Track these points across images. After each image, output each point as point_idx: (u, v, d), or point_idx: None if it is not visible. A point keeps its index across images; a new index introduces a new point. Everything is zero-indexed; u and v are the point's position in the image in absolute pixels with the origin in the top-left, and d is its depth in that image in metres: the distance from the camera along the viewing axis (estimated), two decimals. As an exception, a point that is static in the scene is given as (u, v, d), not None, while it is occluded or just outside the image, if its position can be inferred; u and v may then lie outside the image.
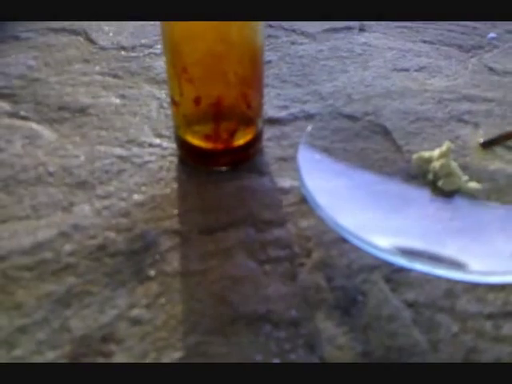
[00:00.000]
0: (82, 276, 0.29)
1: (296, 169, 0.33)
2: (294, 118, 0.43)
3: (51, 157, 0.38)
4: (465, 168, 0.36)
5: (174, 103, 0.36)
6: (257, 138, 0.38)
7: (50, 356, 0.25)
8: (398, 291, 0.28)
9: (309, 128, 0.36)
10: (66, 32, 0.56)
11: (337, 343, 0.26)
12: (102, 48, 0.53)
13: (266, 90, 0.46)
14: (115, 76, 0.48)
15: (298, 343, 0.26)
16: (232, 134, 0.36)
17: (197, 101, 0.34)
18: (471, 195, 0.34)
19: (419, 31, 0.59)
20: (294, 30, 0.58)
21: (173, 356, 0.25)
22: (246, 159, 0.38)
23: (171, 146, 0.39)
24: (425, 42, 0.57)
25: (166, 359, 0.25)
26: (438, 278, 0.29)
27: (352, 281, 0.29)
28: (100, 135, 0.41)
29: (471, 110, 0.41)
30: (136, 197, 0.35)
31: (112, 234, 0.32)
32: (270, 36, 0.56)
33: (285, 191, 0.35)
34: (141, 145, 0.40)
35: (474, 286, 0.29)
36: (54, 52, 0.53)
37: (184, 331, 0.27)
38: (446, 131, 0.40)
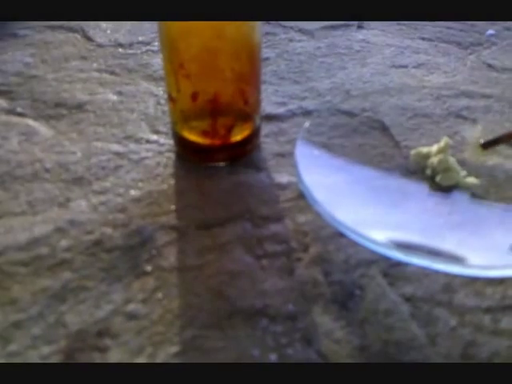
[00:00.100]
0: (78, 271, 0.29)
1: (293, 164, 0.33)
2: (292, 115, 0.43)
3: (48, 153, 0.38)
4: (463, 163, 0.36)
5: (171, 99, 0.36)
6: (254, 134, 0.38)
7: (45, 351, 0.25)
8: (395, 285, 0.28)
9: (306, 124, 0.36)
10: (63, 29, 0.56)
11: (334, 337, 0.26)
12: (100, 45, 0.53)
13: (263, 87, 0.46)
14: (112, 73, 0.48)
15: (295, 337, 0.26)
16: (229, 130, 0.36)
17: (194, 97, 0.34)
18: (469, 190, 0.34)
19: (417, 28, 0.59)
20: (291, 27, 0.58)
21: (169, 350, 0.25)
22: (243, 155, 0.38)
23: (168, 142, 0.39)
24: (423, 38, 0.57)
25: (162, 354, 0.25)
26: (436, 273, 0.28)
27: (349, 275, 0.29)
28: (97, 132, 0.40)
29: (469, 106, 0.41)
30: (133, 192, 0.35)
31: (108, 230, 0.32)
32: (267, 33, 0.56)
33: (282, 187, 0.35)
34: (138, 141, 0.39)
35: (472, 280, 0.28)
36: (51, 49, 0.52)
37: (180, 326, 0.26)
38: (444, 127, 0.40)
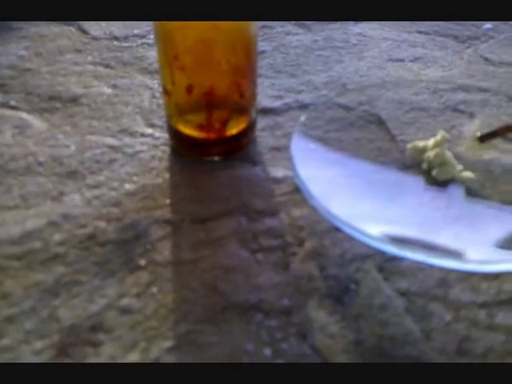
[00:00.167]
0: (71, 265, 0.29)
1: (289, 158, 0.32)
2: (288, 108, 0.43)
3: (41, 146, 0.38)
4: (459, 157, 0.36)
5: (165, 92, 0.35)
6: (250, 128, 0.38)
7: (38, 346, 0.25)
8: (390, 280, 0.28)
9: (302, 118, 0.36)
10: (58, 22, 0.56)
11: (329, 332, 0.26)
12: (94, 38, 0.53)
13: (260, 80, 0.45)
14: (107, 66, 0.48)
15: (289, 332, 0.26)
16: (225, 124, 0.35)
17: (189, 89, 0.34)
18: (465, 184, 0.34)
19: (414, 22, 0.58)
20: (288, 20, 0.58)
21: (163, 345, 0.25)
22: (238, 149, 0.38)
23: (163, 135, 0.39)
24: (420, 32, 0.56)
25: (155, 348, 0.25)
26: (432, 267, 0.28)
27: (345, 270, 0.29)
28: (91, 125, 0.40)
29: (466, 100, 0.41)
30: (127, 186, 0.34)
31: (102, 224, 0.31)
32: (264, 26, 0.56)
33: (278, 181, 0.35)
34: (133, 134, 0.39)
35: (467, 275, 0.28)
36: (45, 42, 0.52)
37: (174, 320, 0.26)
38: (441, 121, 0.40)
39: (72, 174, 0.35)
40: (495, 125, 0.38)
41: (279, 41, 0.53)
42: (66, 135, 0.39)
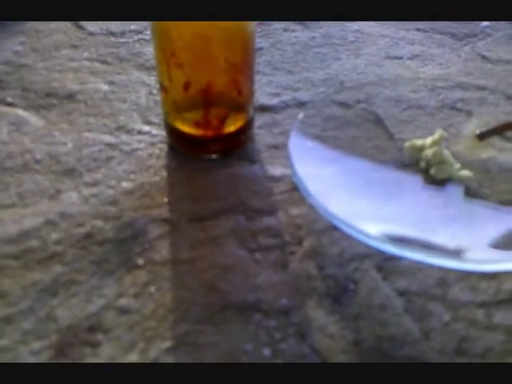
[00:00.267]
0: (69, 265, 0.29)
1: (287, 156, 0.32)
2: (286, 106, 0.43)
3: (38, 144, 0.37)
4: (457, 156, 0.36)
5: (162, 89, 0.35)
6: (248, 125, 0.37)
7: (36, 346, 0.25)
8: (389, 280, 0.28)
9: (300, 115, 0.36)
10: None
11: (328, 332, 0.26)
12: (91, 34, 0.52)
13: (257, 77, 0.45)
14: (104, 62, 0.48)
15: (288, 332, 0.26)
16: (222, 121, 0.35)
17: (186, 86, 0.33)
18: (463, 183, 0.34)
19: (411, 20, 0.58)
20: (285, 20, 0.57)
21: (161, 346, 0.25)
22: (236, 147, 0.37)
23: (161, 133, 0.39)
24: (418, 29, 0.56)
25: (154, 349, 0.25)
26: (430, 267, 0.28)
27: (343, 269, 0.29)
28: (88, 122, 0.40)
29: (464, 98, 0.41)
30: (125, 184, 0.34)
31: (100, 222, 0.31)
32: (261, 23, 0.55)
33: (276, 179, 0.35)
34: (130, 132, 0.39)
35: (466, 275, 0.28)
36: (41, 37, 0.51)
37: (173, 320, 0.26)
38: (439, 119, 0.40)
39: (69, 172, 0.35)
40: (493, 123, 0.38)
41: (277, 38, 0.53)
42: (62, 132, 0.39)
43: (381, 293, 0.27)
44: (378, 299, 0.27)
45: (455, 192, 0.34)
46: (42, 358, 0.24)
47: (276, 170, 0.36)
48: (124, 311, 0.26)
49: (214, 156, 0.37)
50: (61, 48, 0.50)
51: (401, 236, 0.29)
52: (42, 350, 0.25)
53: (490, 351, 0.25)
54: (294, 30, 0.55)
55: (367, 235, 0.27)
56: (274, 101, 0.43)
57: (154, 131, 0.39)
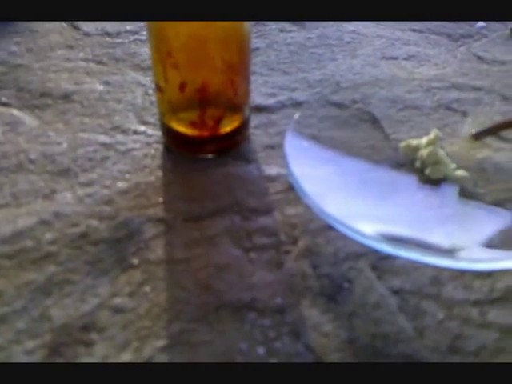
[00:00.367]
0: (63, 264, 0.29)
1: (283, 156, 0.32)
2: (282, 106, 0.43)
3: (33, 144, 0.37)
4: (453, 156, 0.36)
5: (158, 89, 0.35)
6: (243, 126, 0.37)
7: (29, 345, 0.25)
8: (383, 278, 0.28)
9: (296, 115, 0.36)
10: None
11: (322, 330, 0.26)
12: (86, 34, 0.52)
13: (253, 78, 0.45)
14: (99, 62, 0.48)
15: (283, 331, 0.26)
16: (218, 121, 0.35)
17: (182, 87, 0.33)
18: (459, 183, 0.34)
19: (406, 21, 0.58)
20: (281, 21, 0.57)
21: (156, 344, 0.25)
22: (232, 147, 0.37)
23: (156, 133, 0.39)
24: (414, 30, 0.56)
25: (148, 348, 0.25)
26: (425, 266, 0.28)
27: (338, 268, 0.29)
28: (83, 122, 0.40)
29: (459, 99, 0.41)
30: (120, 184, 0.34)
31: (94, 222, 0.31)
32: (258, 23, 0.56)
33: (271, 179, 0.35)
34: (125, 132, 0.39)
35: (460, 273, 0.28)
36: (36, 38, 0.51)
37: (168, 319, 0.26)
38: (434, 119, 0.40)
39: (64, 172, 0.35)
40: (489, 123, 0.38)
41: (273, 38, 0.53)
42: (57, 132, 0.39)
43: (375, 291, 0.27)
44: (373, 298, 0.27)
45: (450, 192, 0.34)
46: (36, 358, 0.24)
47: (272, 170, 0.36)
48: (118, 310, 0.26)
49: (209, 156, 0.37)
50: (56, 48, 0.50)
51: (396, 235, 0.29)
52: (36, 350, 0.25)
53: (483, 349, 0.25)
54: (290, 31, 0.55)
55: (362, 234, 0.27)
56: (270, 101, 0.43)
57: (150, 131, 0.39)
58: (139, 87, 0.44)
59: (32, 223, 0.31)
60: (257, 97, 0.43)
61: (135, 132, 0.39)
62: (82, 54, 0.49)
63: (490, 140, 0.37)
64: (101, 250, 0.30)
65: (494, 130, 0.38)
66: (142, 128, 0.39)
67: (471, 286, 0.28)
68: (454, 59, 0.51)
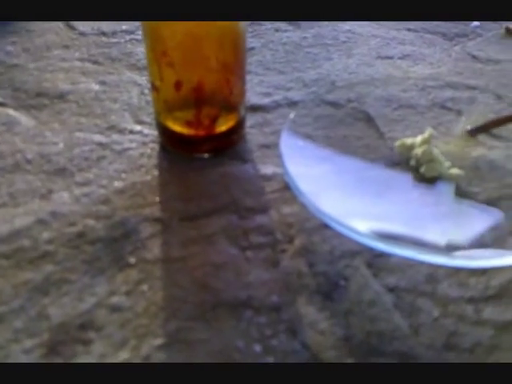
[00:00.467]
0: (61, 263, 0.29)
1: (279, 155, 0.32)
2: (277, 105, 0.43)
3: (29, 144, 0.37)
4: (447, 154, 0.36)
5: (154, 88, 0.35)
6: (239, 125, 0.37)
7: (27, 344, 0.25)
8: (379, 276, 0.28)
9: (291, 115, 0.36)
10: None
11: (318, 328, 0.26)
12: (82, 34, 0.52)
13: (249, 77, 0.45)
14: (95, 62, 0.48)
15: (279, 328, 0.26)
16: (214, 120, 0.35)
17: (177, 86, 0.34)
18: (453, 181, 0.34)
19: (402, 20, 0.59)
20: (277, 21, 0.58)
21: (153, 343, 0.25)
22: (228, 146, 0.38)
23: (152, 132, 0.39)
24: (409, 30, 0.57)
25: (146, 346, 0.25)
26: (420, 263, 0.29)
27: (334, 266, 0.29)
28: (79, 122, 0.40)
29: (454, 98, 0.41)
30: (116, 184, 0.34)
31: (91, 222, 0.31)
32: (253, 23, 0.56)
33: (267, 178, 0.35)
34: (121, 131, 0.39)
35: (455, 271, 0.29)
36: (32, 38, 0.51)
37: (165, 318, 0.26)
38: (429, 118, 0.40)
39: (60, 172, 0.35)
40: (482, 121, 0.38)
41: (268, 38, 0.53)
42: (53, 132, 0.39)
43: (371, 289, 0.28)
44: (368, 295, 0.27)
45: (445, 190, 0.34)
46: (34, 356, 0.24)
47: (268, 169, 0.36)
48: (116, 309, 0.26)
49: (205, 155, 0.37)
50: (52, 48, 0.50)
51: (391, 233, 0.29)
52: (34, 348, 0.25)
53: (478, 346, 0.25)
54: (285, 30, 0.55)
55: (357, 233, 0.27)
56: (266, 100, 0.43)
57: (146, 131, 0.39)
58: (135, 87, 0.44)
59: (29, 223, 0.31)
60: (252, 96, 0.43)
61: (131, 131, 0.39)
62: (77, 54, 0.49)
63: (484, 138, 0.38)
64: (98, 249, 0.30)
65: (488, 127, 0.38)
66: (138, 127, 0.39)
67: (466, 283, 0.28)
68: (449, 58, 0.51)
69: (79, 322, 0.26)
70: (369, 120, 0.39)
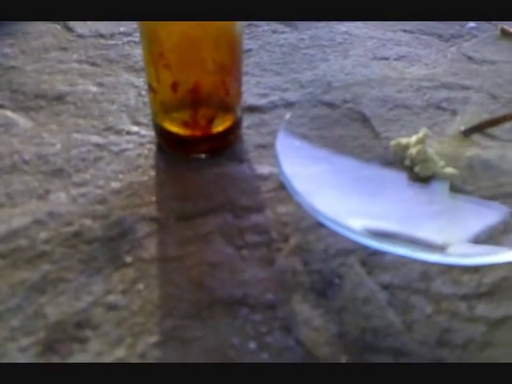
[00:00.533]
0: (58, 263, 0.29)
1: (275, 156, 0.33)
2: (274, 106, 0.43)
3: (27, 145, 0.38)
4: (442, 154, 0.36)
5: (151, 90, 0.36)
6: (236, 126, 0.38)
7: (24, 343, 0.25)
8: (373, 274, 0.29)
9: (288, 115, 0.36)
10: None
11: (313, 325, 0.26)
12: (80, 36, 0.53)
13: (246, 78, 0.45)
14: (93, 64, 0.48)
15: (274, 326, 0.26)
16: (210, 121, 0.36)
17: (174, 87, 0.34)
18: (448, 180, 0.34)
19: (399, 20, 0.59)
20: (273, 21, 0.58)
21: (149, 341, 0.25)
22: (224, 146, 0.38)
23: (149, 133, 0.39)
24: (405, 31, 0.57)
25: (141, 344, 0.25)
26: (414, 261, 0.29)
27: (328, 264, 0.29)
28: (77, 123, 0.40)
29: (449, 98, 0.41)
30: (113, 184, 0.34)
31: (88, 221, 0.32)
32: (250, 24, 0.56)
33: (263, 178, 0.35)
34: (118, 132, 0.39)
35: (448, 268, 0.29)
36: (30, 40, 0.52)
37: (160, 316, 0.26)
38: (424, 118, 0.40)
39: (58, 172, 0.35)
40: (477, 122, 0.38)
41: (265, 39, 0.54)
42: (51, 133, 0.39)
43: (365, 287, 0.28)
44: (363, 293, 0.28)
45: (440, 189, 0.34)
46: (30, 354, 0.25)
47: (264, 169, 0.36)
48: (112, 307, 0.27)
49: (202, 156, 0.37)
50: (50, 50, 0.50)
51: (386, 231, 0.30)
52: (30, 347, 0.25)
53: (471, 342, 0.25)
54: (282, 32, 0.55)
55: (352, 231, 0.27)
56: (262, 101, 0.44)
57: (143, 132, 0.39)
58: (132, 88, 0.45)
59: (26, 223, 0.31)
60: (249, 97, 0.44)
61: (128, 132, 0.39)
62: (75, 56, 0.49)
63: (478, 138, 0.38)
64: (94, 248, 0.30)
65: (482, 127, 0.38)
66: (135, 128, 0.40)
67: (459, 280, 0.28)
68: (445, 59, 0.51)
69: (75, 320, 0.26)
70: (364, 120, 0.40)
